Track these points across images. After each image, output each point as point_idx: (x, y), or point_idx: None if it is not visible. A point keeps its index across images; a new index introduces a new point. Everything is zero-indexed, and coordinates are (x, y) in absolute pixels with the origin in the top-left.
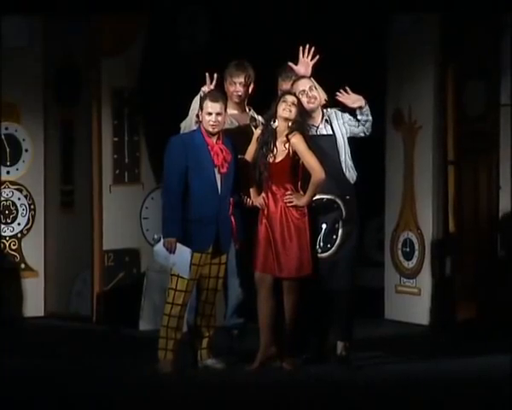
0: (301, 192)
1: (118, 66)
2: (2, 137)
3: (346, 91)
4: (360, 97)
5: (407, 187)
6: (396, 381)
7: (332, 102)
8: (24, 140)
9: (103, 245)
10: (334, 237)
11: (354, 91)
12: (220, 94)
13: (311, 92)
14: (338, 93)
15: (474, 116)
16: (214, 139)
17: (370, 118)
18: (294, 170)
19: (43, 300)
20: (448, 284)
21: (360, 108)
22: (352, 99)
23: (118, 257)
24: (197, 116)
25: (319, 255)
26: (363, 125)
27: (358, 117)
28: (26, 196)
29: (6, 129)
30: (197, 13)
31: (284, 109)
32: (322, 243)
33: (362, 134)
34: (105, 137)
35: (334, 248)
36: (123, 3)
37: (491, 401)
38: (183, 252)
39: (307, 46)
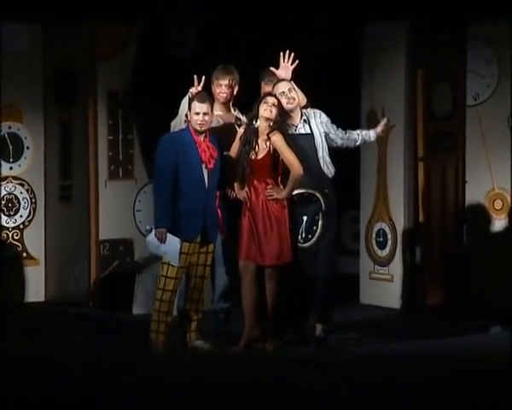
0: (281, 186)
1: (112, 70)
2: (6, 135)
3: None
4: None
5: (380, 182)
6: (370, 360)
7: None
8: (25, 138)
9: (99, 235)
10: (315, 228)
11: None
12: (207, 95)
13: (290, 94)
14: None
15: (442, 116)
16: (202, 137)
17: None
18: (275, 166)
19: (43, 286)
20: (418, 270)
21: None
22: None
23: (113, 246)
24: (186, 116)
25: (301, 245)
26: (354, 142)
27: (351, 143)
28: (27, 190)
29: (9, 128)
30: (186, 21)
31: (265, 110)
32: (303, 234)
33: (339, 145)
34: (101, 136)
35: (314, 239)
36: (117, 12)
37: (459, 378)
38: (173, 242)
39: (287, 52)
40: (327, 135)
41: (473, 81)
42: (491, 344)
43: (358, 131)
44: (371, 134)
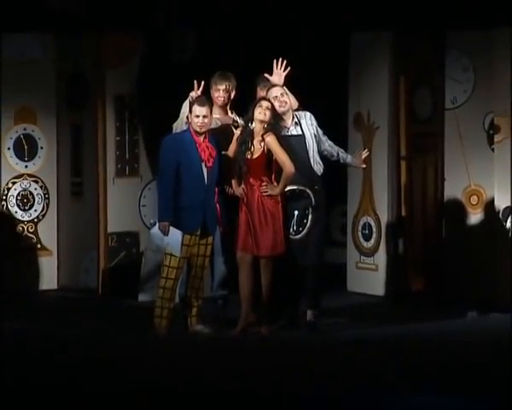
0: (275, 183)
1: (119, 76)
2: (21, 136)
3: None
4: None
5: (366, 179)
6: (356, 343)
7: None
8: (40, 139)
9: (107, 228)
10: (305, 221)
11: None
12: (206, 99)
13: (282, 98)
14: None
15: (423, 119)
16: (201, 138)
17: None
18: (269, 165)
19: (56, 275)
20: (400, 260)
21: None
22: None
23: (120, 239)
24: (187, 118)
25: (292, 237)
26: (331, 155)
27: (333, 156)
28: (41, 187)
29: (24, 129)
30: (186, 31)
31: (260, 113)
32: (295, 227)
33: (321, 150)
34: (109, 137)
35: (305, 231)
36: (124, 24)
37: (438, 359)
38: (176, 234)
39: (280, 59)
40: (316, 136)
41: (451, 86)
42: (468, 328)
43: (339, 150)
44: (349, 159)
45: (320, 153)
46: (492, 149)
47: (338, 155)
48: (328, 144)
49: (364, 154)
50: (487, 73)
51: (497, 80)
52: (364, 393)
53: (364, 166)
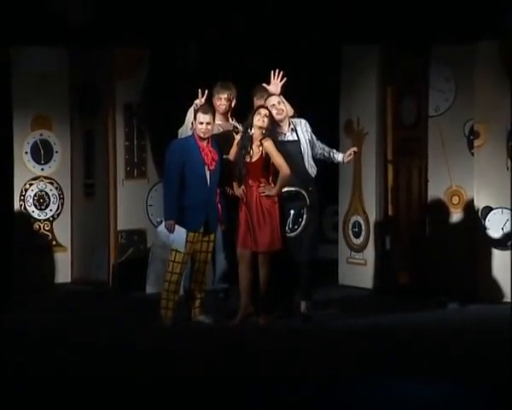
0: (272, 185)
1: (128, 86)
2: (38, 141)
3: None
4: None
5: (356, 181)
6: (347, 332)
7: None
8: (55, 144)
9: (117, 226)
10: (300, 220)
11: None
12: (209, 107)
13: (279, 106)
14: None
15: (408, 125)
16: (205, 143)
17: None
18: (267, 168)
19: (69, 269)
20: (388, 256)
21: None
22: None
23: (129, 236)
24: (191, 124)
25: (288, 235)
26: (324, 157)
27: (326, 157)
28: (56, 188)
29: (41, 135)
30: (190, 43)
31: (258, 120)
32: (290, 225)
33: (315, 153)
34: (118, 142)
35: (300, 229)
36: (132, 38)
37: (421, 345)
38: (180, 231)
39: (277, 71)
40: (311, 142)
41: (434, 96)
42: (449, 318)
43: (332, 151)
44: (339, 156)
45: (314, 156)
46: (472, 154)
47: (330, 155)
48: (320, 148)
49: (352, 149)
50: (467, 84)
51: (476, 90)
52: (353, 377)
53: (351, 157)
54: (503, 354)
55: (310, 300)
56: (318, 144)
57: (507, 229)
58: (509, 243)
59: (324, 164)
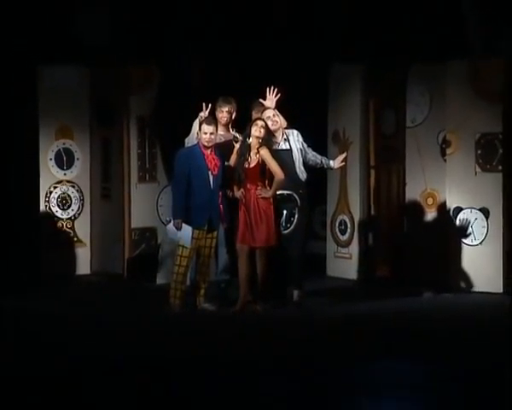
0: (268, 188)
1: (140, 100)
2: (61, 149)
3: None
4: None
5: (342, 184)
6: (335, 318)
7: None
8: (76, 151)
9: (131, 224)
10: (292, 219)
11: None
12: (212, 119)
13: (274, 118)
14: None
15: (388, 135)
16: (208, 151)
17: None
18: (263, 173)
19: (89, 262)
20: (370, 251)
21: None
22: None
23: (141, 233)
24: (197, 134)
25: (282, 232)
26: (316, 163)
27: (318, 164)
28: (77, 191)
29: (63, 144)
30: (195, 63)
31: (256, 130)
32: (283, 224)
33: (306, 160)
34: (132, 150)
35: (292, 227)
36: (143, 58)
37: (402, 329)
38: (187, 229)
39: (272, 87)
40: (302, 150)
41: (411, 109)
42: (424, 305)
43: (322, 158)
44: (331, 163)
45: (305, 163)
46: (444, 160)
47: (322, 162)
48: (312, 155)
49: (343, 156)
50: (440, 99)
51: (448, 104)
52: (340, 358)
53: (343, 164)
54: (470, 335)
55: (301, 289)
56: (310, 152)
57: (475, 227)
58: (475, 239)
59: (314, 170)
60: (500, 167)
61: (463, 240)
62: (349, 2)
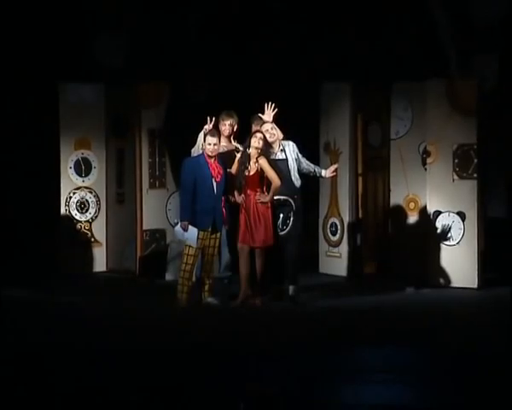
0: (266, 194)
1: (151, 115)
2: (80, 158)
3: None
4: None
5: (333, 190)
6: (326, 311)
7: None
8: (93, 161)
9: (142, 226)
10: (288, 221)
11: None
12: (216, 131)
13: (271, 131)
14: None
15: (374, 146)
16: (212, 160)
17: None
18: (261, 180)
19: (105, 261)
20: (358, 250)
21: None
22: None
23: (152, 234)
24: (202, 145)
25: (279, 233)
26: (309, 172)
27: (311, 172)
28: (94, 196)
29: (82, 154)
30: (201, 81)
31: (255, 142)
32: (280, 226)
33: (301, 169)
34: (143, 159)
35: (288, 229)
36: (154, 76)
37: (387, 321)
38: (193, 230)
39: (270, 103)
40: (297, 160)
41: (395, 122)
42: (407, 299)
43: (315, 167)
44: (323, 172)
45: (300, 171)
46: (425, 169)
47: (315, 170)
48: (306, 164)
49: (334, 166)
50: (421, 113)
51: (428, 118)
52: (331, 346)
53: (335, 174)
54: (447, 324)
55: (296, 285)
56: (304, 162)
57: (452, 229)
58: (452, 240)
59: (308, 177)
60: (475, 175)
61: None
62: (340, 29)
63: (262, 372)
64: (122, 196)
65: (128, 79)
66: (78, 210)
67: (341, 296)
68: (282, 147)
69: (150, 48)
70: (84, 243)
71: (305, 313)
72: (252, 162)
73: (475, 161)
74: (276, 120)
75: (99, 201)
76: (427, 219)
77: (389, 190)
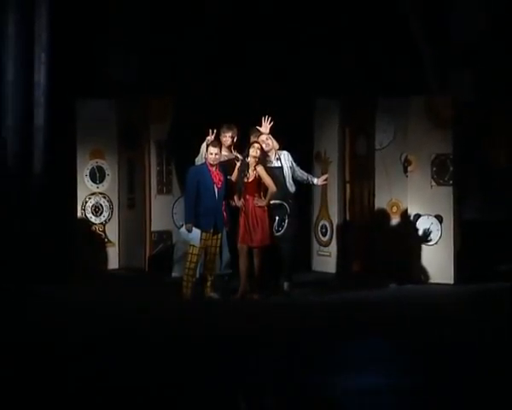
0: (263, 198)
1: (159, 128)
2: (95, 167)
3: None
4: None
5: (323, 195)
6: (317, 304)
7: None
8: (107, 169)
9: (151, 228)
10: (283, 223)
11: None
12: (217, 142)
13: (267, 141)
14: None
15: (361, 156)
16: (214, 168)
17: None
18: (259, 186)
19: (117, 259)
20: (346, 249)
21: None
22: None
23: (159, 235)
24: (205, 154)
25: (275, 234)
26: (303, 179)
27: (304, 180)
28: (107, 201)
29: (96, 162)
30: (203, 97)
31: (253, 151)
32: (276, 228)
33: (295, 177)
34: (152, 167)
35: (283, 231)
36: (161, 92)
37: (373, 314)
38: (196, 232)
39: (267, 117)
40: (291, 168)
41: (379, 135)
42: (390, 294)
43: (308, 176)
44: (315, 180)
45: (294, 179)
46: (406, 176)
47: (308, 178)
48: (300, 172)
49: (325, 176)
50: (403, 126)
51: (409, 131)
52: (322, 338)
53: (326, 182)
54: (427, 315)
55: (290, 281)
56: (298, 170)
57: (431, 230)
58: (431, 240)
59: (302, 184)
60: (451, 182)
61: (421, 240)
62: (331, 52)
63: (258, 359)
64: (132, 201)
65: (137, 95)
66: (93, 213)
67: (331, 292)
68: (277, 156)
69: (157, 67)
70: (99, 243)
71: (298, 307)
72: (250, 170)
73: (451, 169)
74: (273, 132)
75: (112, 205)
76: (408, 221)
77: (374, 196)
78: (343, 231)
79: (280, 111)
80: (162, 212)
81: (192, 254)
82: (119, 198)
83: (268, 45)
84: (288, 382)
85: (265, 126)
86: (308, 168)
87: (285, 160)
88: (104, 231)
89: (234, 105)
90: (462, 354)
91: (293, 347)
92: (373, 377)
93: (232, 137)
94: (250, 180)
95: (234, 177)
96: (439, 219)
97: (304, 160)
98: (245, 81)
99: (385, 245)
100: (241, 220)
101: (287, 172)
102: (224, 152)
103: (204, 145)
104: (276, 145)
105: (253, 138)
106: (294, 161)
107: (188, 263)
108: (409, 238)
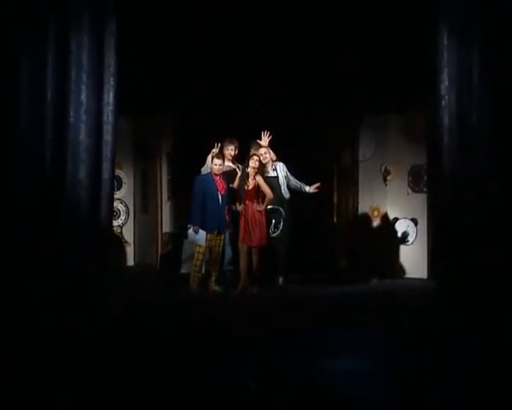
0: (261, 204)
1: (169, 142)
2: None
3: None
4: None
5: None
6: (309, 298)
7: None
8: (123, 178)
9: (162, 230)
10: (279, 225)
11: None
12: (221, 154)
13: (265, 154)
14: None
15: (346, 167)
16: (218, 177)
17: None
18: (258, 193)
19: (133, 257)
20: (335, 250)
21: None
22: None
23: (169, 236)
24: (210, 165)
25: (271, 235)
26: (296, 187)
27: (298, 188)
28: (124, 206)
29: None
30: (209, 113)
31: (252, 162)
32: (272, 229)
33: (289, 185)
34: (163, 176)
35: (278, 232)
36: (171, 112)
37: (358, 306)
38: (202, 233)
39: (265, 131)
40: (286, 177)
41: (362, 148)
42: (373, 288)
43: (301, 184)
44: (307, 188)
45: (289, 187)
46: (386, 184)
47: (301, 186)
48: (294, 181)
49: (317, 184)
50: (383, 141)
51: (389, 145)
52: (315, 328)
53: (317, 190)
54: (404, 307)
55: (285, 276)
56: (292, 179)
57: (407, 232)
58: (407, 240)
59: (295, 191)
60: (425, 189)
61: (399, 241)
62: (323, 74)
63: (258, 345)
64: (146, 206)
65: (150, 113)
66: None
67: (321, 286)
68: (274, 167)
69: (168, 88)
70: (117, 243)
71: (292, 301)
72: (250, 179)
73: (425, 178)
74: (271, 145)
75: (128, 210)
76: (387, 223)
77: (358, 201)
78: (331, 232)
79: (278, 128)
80: (172, 215)
81: (198, 252)
82: (134, 204)
83: (261, 72)
84: (277, 364)
85: (265, 140)
86: (301, 178)
87: (280, 170)
88: (121, 233)
89: (234, 121)
90: (435, 338)
91: (289, 336)
92: (357, 361)
93: (234, 150)
94: (250, 188)
95: (235, 185)
96: (415, 221)
97: (297, 170)
98: (248, 101)
99: (368, 245)
100: (242, 223)
101: (282, 180)
102: (227, 163)
103: (209, 157)
104: (274, 157)
105: (253, 151)
106: (289, 171)
107: (194, 260)
108: (388, 238)
